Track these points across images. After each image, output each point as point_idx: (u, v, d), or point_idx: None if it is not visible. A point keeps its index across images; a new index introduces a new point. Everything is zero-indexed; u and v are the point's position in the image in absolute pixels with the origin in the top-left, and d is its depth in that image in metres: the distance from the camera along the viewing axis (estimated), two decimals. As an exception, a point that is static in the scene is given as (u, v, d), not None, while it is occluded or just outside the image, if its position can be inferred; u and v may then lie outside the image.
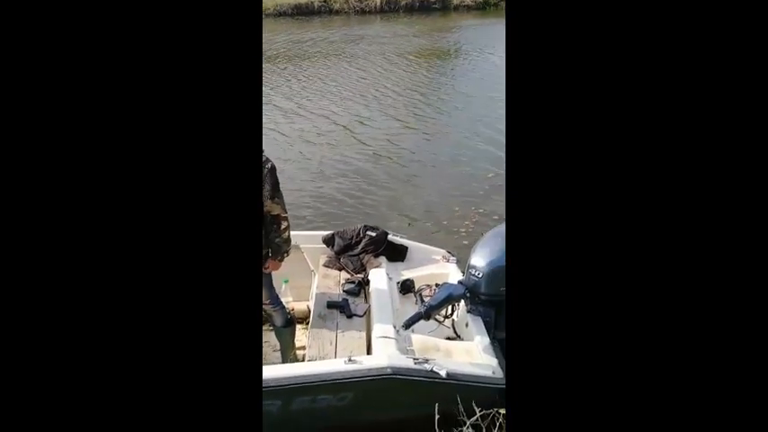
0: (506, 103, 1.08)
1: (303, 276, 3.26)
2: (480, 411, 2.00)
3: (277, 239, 2.53)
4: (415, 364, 2.21)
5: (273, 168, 2.43)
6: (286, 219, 2.52)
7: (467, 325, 2.72)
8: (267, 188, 2.40)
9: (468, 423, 2.01)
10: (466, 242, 4.19)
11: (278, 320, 2.75)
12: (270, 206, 2.45)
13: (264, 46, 13.90)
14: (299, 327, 3.08)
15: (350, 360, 2.18)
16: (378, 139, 6.99)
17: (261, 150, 2.27)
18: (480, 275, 2.57)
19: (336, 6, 20.16)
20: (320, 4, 19.88)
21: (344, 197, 5.29)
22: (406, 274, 3.10)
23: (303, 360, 2.85)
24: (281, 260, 2.60)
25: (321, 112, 8.25)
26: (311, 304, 3.14)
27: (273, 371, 2.21)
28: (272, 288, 2.67)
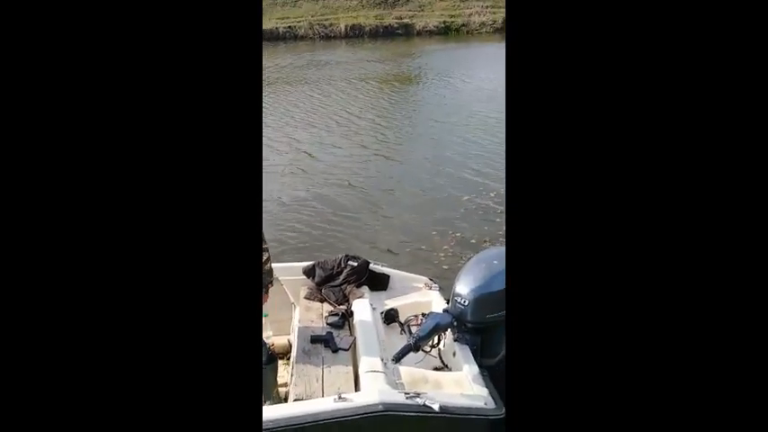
0: (506, 103, 1.07)
1: (283, 309, 3.17)
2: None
3: None
4: (407, 398, 2.16)
5: None
6: (266, 250, 2.46)
7: (454, 354, 2.69)
8: None
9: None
10: (446, 267, 4.19)
11: None
12: None
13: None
14: (280, 362, 2.98)
15: (339, 398, 2.11)
16: (343, 167, 6.99)
17: (261, 151, 2.19)
18: (466, 303, 2.56)
19: (301, 32, 20.35)
20: (285, 30, 20.02)
21: (314, 227, 5.22)
22: (390, 304, 3.05)
23: (286, 398, 2.75)
24: (267, 292, 2.52)
25: (284, 140, 8.20)
26: (292, 338, 3.05)
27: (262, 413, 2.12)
28: None
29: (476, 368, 2.51)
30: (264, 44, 18.93)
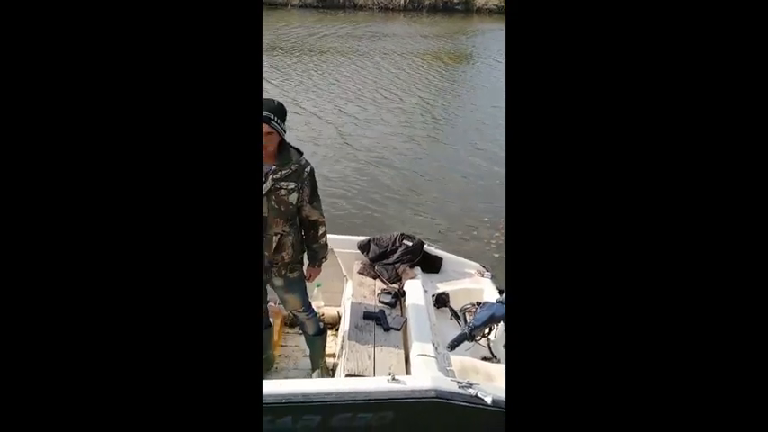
0: (506, 103, 1.07)
1: (335, 281, 3.19)
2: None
3: (314, 245, 2.45)
4: (459, 387, 2.13)
5: (313, 171, 2.35)
6: (323, 224, 2.45)
7: (504, 345, 2.64)
8: (306, 192, 2.32)
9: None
10: (497, 255, 4.11)
11: (310, 329, 2.68)
12: (308, 211, 2.37)
13: (284, 37, 13.81)
14: (329, 332, 3.01)
15: (393, 379, 2.10)
16: (388, 145, 6.87)
17: (260, 150, 2.19)
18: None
19: (361, 2, 20.04)
20: (345, -1, 19.79)
21: (354, 205, 5.17)
22: (441, 287, 3.02)
23: (334, 368, 2.78)
24: (320, 266, 2.53)
25: (333, 112, 8.12)
26: (342, 310, 3.07)
27: (314, 385, 2.14)
28: (305, 295, 2.59)
29: None
30: (325, 11, 18.83)
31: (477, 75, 11.54)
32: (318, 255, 2.48)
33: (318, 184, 2.42)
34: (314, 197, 2.37)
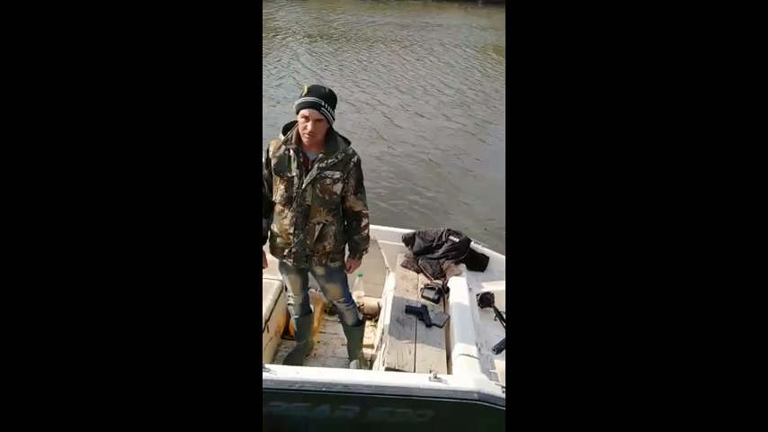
0: (506, 102, 1.08)
1: (377, 272, 3.15)
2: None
3: (356, 236, 2.40)
4: (503, 392, 2.06)
5: (359, 162, 2.28)
6: (367, 216, 2.39)
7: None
8: (352, 183, 2.26)
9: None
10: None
11: (349, 319, 2.65)
12: (353, 202, 2.31)
13: (331, 25, 13.77)
14: (368, 323, 2.98)
15: (435, 377, 2.04)
16: (426, 138, 6.73)
17: (260, 149, 2.13)
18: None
19: (415, -10, 19.84)
20: (400, -13, 19.59)
21: (385, 200, 5.09)
22: (487, 287, 2.93)
23: (371, 360, 2.75)
24: (360, 258, 2.48)
25: (371, 102, 8.02)
26: (382, 302, 3.03)
27: (354, 376, 2.11)
28: (346, 285, 2.56)
29: None
30: (378, 0, 18.66)
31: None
32: (360, 246, 2.44)
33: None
34: (359, 188, 2.31)
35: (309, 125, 2.10)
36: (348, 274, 2.53)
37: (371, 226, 2.55)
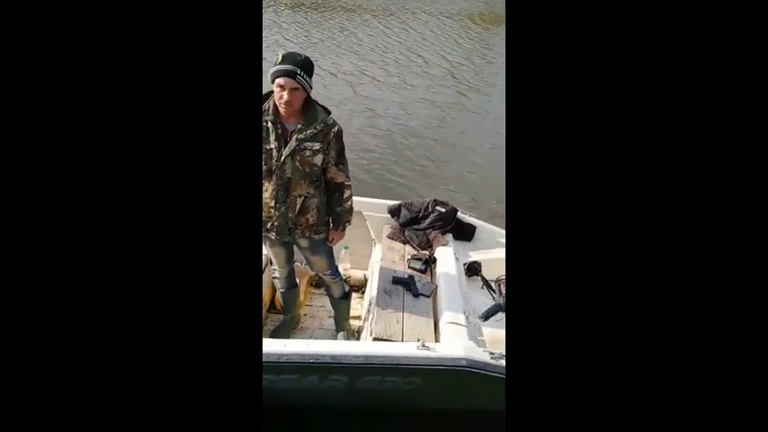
0: (506, 102, 1.07)
1: (363, 244, 3.12)
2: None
3: (338, 208, 2.35)
4: (492, 358, 2.06)
5: (340, 132, 2.21)
6: (349, 187, 2.34)
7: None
8: (332, 154, 2.20)
9: None
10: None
11: (336, 292, 2.63)
12: (334, 173, 2.26)
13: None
14: (354, 295, 2.97)
15: (423, 345, 2.04)
16: (411, 111, 6.64)
17: (260, 147, 2.10)
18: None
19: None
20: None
21: (372, 173, 5.03)
22: (474, 256, 2.92)
23: (359, 331, 2.75)
24: (343, 230, 2.44)
25: (355, 73, 7.86)
26: (369, 274, 3.01)
27: (342, 347, 2.10)
28: (331, 258, 2.53)
29: None
30: None
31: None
32: (342, 218, 2.39)
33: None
34: (340, 159, 2.25)
35: (285, 94, 2.03)
36: (333, 247, 2.50)
37: (356, 198, 2.51)
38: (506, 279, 1.13)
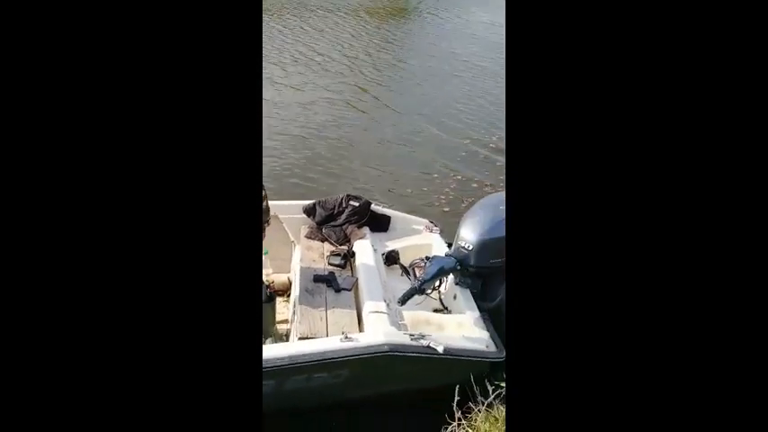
0: (506, 102, 1.07)
1: (282, 247, 3.14)
2: (493, 389, 2.00)
3: None
4: (412, 340, 2.18)
5: None
6: (262, 188, 2.37)
7: (455, 297, 2.71)
8: None
9: (485, 402, 2.01)
10: (446, 209, 4.15)
11: None
12: None
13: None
14: (279, 299, 2.98)
15: (346, 338, 2.12)
16: (323, 111, 6.66)
17: (261, 148, 2.07)
18: (470, 248, 2.54)
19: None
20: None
21: (291, 174, 5.04)
22: (391, 245, 3.04)
23: (287, 335, 2.77)
24: (263, 231, 2.46)
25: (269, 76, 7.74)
26: (293, 276, 3.03)
27: (266, 351, 2.12)
28: None
29: (476, 312, 2.54)
30: None
31: (418, 31, 11.26)
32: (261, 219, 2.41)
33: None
34: None
35: None
36: None
37: (271, 201, 2.52)
38: (506, 279, 1.15)
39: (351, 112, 6.69)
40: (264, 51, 9.03)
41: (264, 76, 7.74)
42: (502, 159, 5.02)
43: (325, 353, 2.07)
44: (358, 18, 11.65)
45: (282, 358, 2.04)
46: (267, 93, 7.07)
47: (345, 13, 11.95)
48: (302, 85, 7.58)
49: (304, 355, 2.05)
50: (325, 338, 2.22)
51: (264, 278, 2.82)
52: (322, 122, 6.25)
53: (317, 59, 8.72)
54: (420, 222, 3.24)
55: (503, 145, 5.17)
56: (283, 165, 5.13)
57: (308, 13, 11.78)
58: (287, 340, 2.70)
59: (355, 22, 11.34)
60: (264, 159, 4.78)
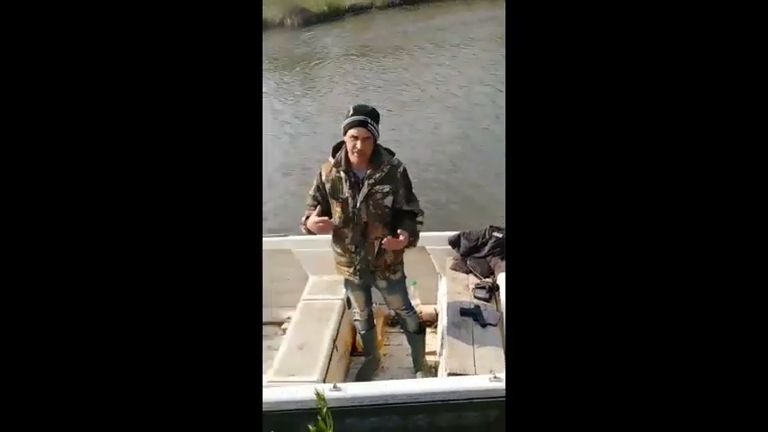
0: (506, 102, 1.08)
1: (429, 278, 3.26)
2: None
3: (407, 221, 2.35)
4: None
5: (405, 171, 2.37)
6: (422, 213, 2.42)
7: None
8: (401, 192, 2.34)
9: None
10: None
11: (411, 326, 2.77)
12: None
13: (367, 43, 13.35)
14: (428, 330, 3.09)
15: (494, 378, 2.14)
16: (464, 145, 6.71)
17: (261, 151, 2.12)
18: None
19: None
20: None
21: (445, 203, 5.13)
22: (537, 277, 2.97)
23: (435, 367, 2.87)
24: (400, 237, 2.29)
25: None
26: (439, 308, 3.13)
27: (421, 385, 2.24)
28: (406, 294, 2.69)
29: None
30: (361, 16, 16.65)
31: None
32: (405, 225, 2.31)
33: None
34: (410, 196, 2.39)
35: (359, 144, 2.22)
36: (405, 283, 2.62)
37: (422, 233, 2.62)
38: (506, 280, 1.16)
39: (468, 149, 6.66)
40: (418, 85, 9.28)
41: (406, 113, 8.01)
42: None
43: (473, 392, 2.12)
44: (482, 49, 11.39)
45: (435, 394, 2.13)
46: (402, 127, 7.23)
47: (475, 44, 11.74)
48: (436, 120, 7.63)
49: (455, 393, 2.13)
50: (474, 377, 2.26)
51: (415, 308, 2.95)
52: (455, 157, 6.25)
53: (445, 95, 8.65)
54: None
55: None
56: (431, 197, 5.27)
57: (455, 47, 11.76)
58: (435, 373, 2.80)
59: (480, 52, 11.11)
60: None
